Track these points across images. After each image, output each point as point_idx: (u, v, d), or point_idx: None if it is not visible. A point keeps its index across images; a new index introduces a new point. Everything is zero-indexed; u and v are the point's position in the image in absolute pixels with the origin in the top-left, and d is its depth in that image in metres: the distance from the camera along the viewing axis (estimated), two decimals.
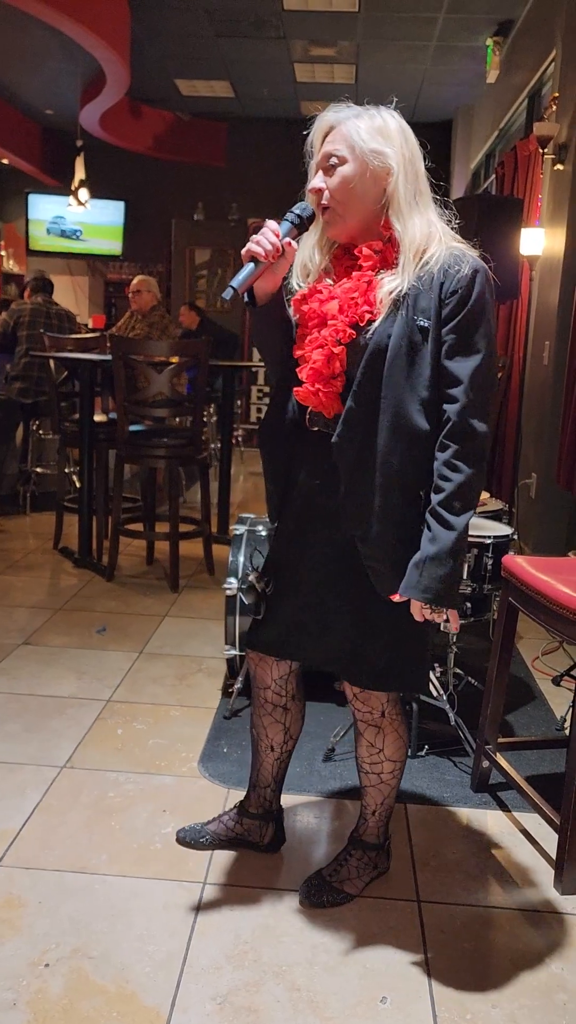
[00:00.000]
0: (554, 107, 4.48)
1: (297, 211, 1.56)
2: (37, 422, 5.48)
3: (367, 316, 1.50)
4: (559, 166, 4.33)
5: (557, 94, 4.46)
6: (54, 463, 5.32)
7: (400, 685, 1.68)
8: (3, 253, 9.58)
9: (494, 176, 6.17)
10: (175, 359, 3.80)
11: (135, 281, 5.53)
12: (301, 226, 1.57)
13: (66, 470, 4.68)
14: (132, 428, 3.84)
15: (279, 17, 6.04)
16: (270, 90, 7.82)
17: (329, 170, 1.53)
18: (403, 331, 1.47)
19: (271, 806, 1.94)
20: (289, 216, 1.56)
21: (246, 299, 1.59)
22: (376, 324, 1.49)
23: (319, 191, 1.53)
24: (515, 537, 2.85)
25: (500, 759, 2.20)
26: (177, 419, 4.06)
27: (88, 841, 1.97)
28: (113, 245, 9.42)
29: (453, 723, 2.46)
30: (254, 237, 1.53)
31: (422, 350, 1.47)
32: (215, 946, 1.67)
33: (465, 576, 2.58)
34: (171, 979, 1.58)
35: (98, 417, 4.25)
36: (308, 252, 1.63)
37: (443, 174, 8.50)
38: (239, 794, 2.15)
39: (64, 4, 4.74)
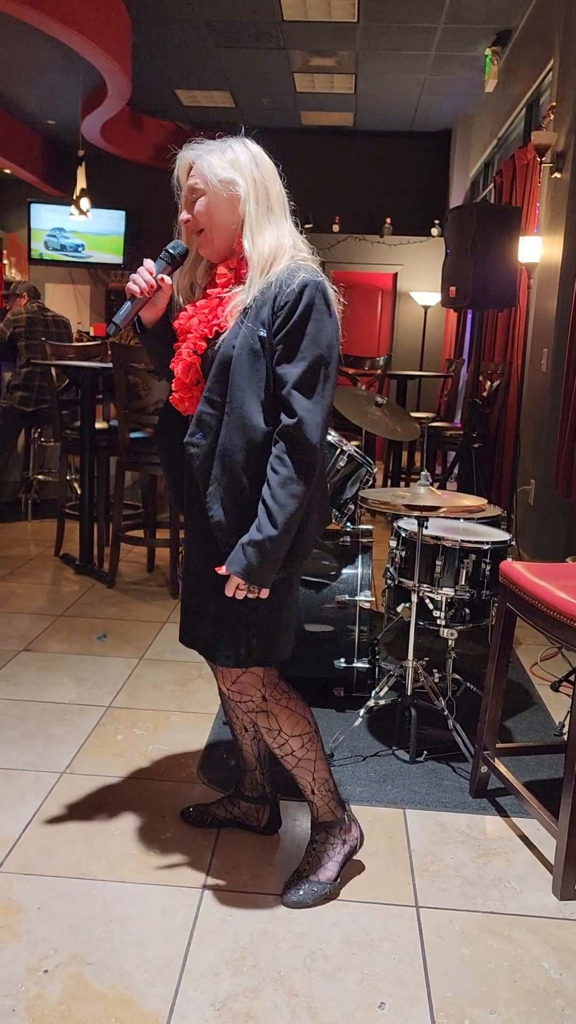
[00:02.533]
0: (552, 116, 4.51)
1: (170, 249, 1.73)
2: (39, 430, 5.50)
3: (215, 329, 1.66)
4: (557, 174, 4.36)
5: (555, 103, 4.49)
6: (55, 470, 5.34)
7: (256, 660, 1.74)
8: (5, 262, 9.63)
9: (492, 185, 6.21)
10: None
11: None
12: (174, 263, 1.73)
13: (67, 477, 4.69)
14: (133, 435, 3.86)
15: (279, 28, 6.08)
16: (270, 100, 7.87)
17: (192, 203, 1.69)
18: (244, 341, 1.61)
19: (264, 789, 2.04)
20: (163, 254, 1.73)
21: (136, 329, 1.77)
22: (223, 335, 1.64)
23: (187, 221, 1.70)
24: (513, 543, 2.85)
25: (499, 764, 2.20)
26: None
27: (87, 847, 1.98)
28: (114, 254, 9.46)
29: (451, 728, 2.47)
30: (132, 276, 1.70)
31: (261, 357, 1.61)
32: (213, 952, 1.67)
33: (463, 582, 2.59)
34: (170, 985, 1.58)
35: (99, 424, 4.26)
36: (188, 277, 1.78)
37: (440, 182, 8.53)
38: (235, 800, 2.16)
39: (66, 15, 4.78)
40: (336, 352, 1.64)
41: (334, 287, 1.68)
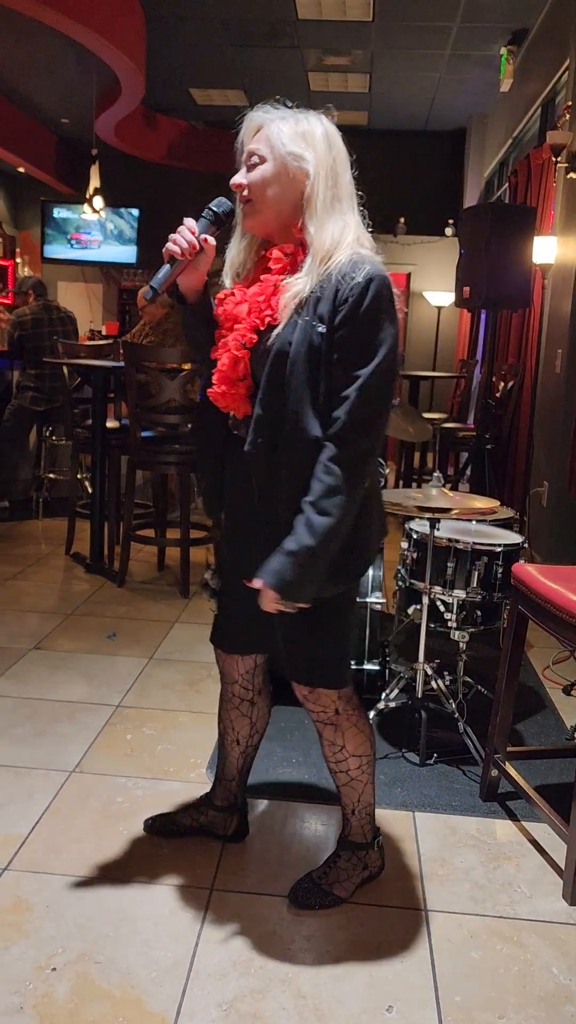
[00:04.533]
0: (567, 116, 4.48)
1: (213, 207, 1.58)
2: (50, 428, 5.51)
3: (268, 320, 1.52)
4: (572, 175, 4.33)
5: (571, 103, 4.46)
6: (67, 469, 5.35)
7: (322, 681, 1.69)
8: (18, 260, 9.66)
9: (507, 185, 6.18)
10: (187, 366, 3.82)
11: (142, 292, 5.55)
12: (217, 222, 1.58)
13: (78, 476, 4.70)
14: (144, 434, 3.86)
15: (293, 26, 6.08)
16: (284, 99, 7.85)
17: (251, 167, 1.55)
18: (303, 337, 1.47)
19: (236, 799, 2.01)
20: (206, 213, 1.57)
21: (175, 299, 1.62)
22: (277, 330, 1.50)
23: (240, 186, 1.55)
24: (526, 545, 2.84)
25: (509, 768, 2.19)
26: (189, 425, 4.07)
27: (96, 846, 1.98)
28: (127, 253, 9.48)
29: (462, 731, 2.46)
30: (171, 236, 1.54)
31: (319, 356, 1.47)
32: (221, 952, 1.67)
33: (475, 584, 2.57)
34: (177, 985, 1.58)
35: (110, 423, 4.27)
36: (235, 251, 1.64)
37: (455, 183, 8.50)
38: (248, 800, 2.15)
39: (81, 14, 4.79)
40: (398, 355, 1.51)
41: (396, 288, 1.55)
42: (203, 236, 1.56)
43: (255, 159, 1.54)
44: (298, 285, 1.49)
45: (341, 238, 1.51)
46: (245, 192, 1.55)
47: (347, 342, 1.47)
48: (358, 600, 2.71)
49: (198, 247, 1.55)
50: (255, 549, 1.60)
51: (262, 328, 1.53)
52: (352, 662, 2.72)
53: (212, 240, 1.57)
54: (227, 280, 1.65)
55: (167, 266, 1.54)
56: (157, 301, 5.41)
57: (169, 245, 1.53)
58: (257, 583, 1.51)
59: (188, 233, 1.54)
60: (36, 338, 5.29)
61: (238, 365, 1.55)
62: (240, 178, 1.55)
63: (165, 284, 1.54)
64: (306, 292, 1.48)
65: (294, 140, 1.51)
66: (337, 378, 1.48)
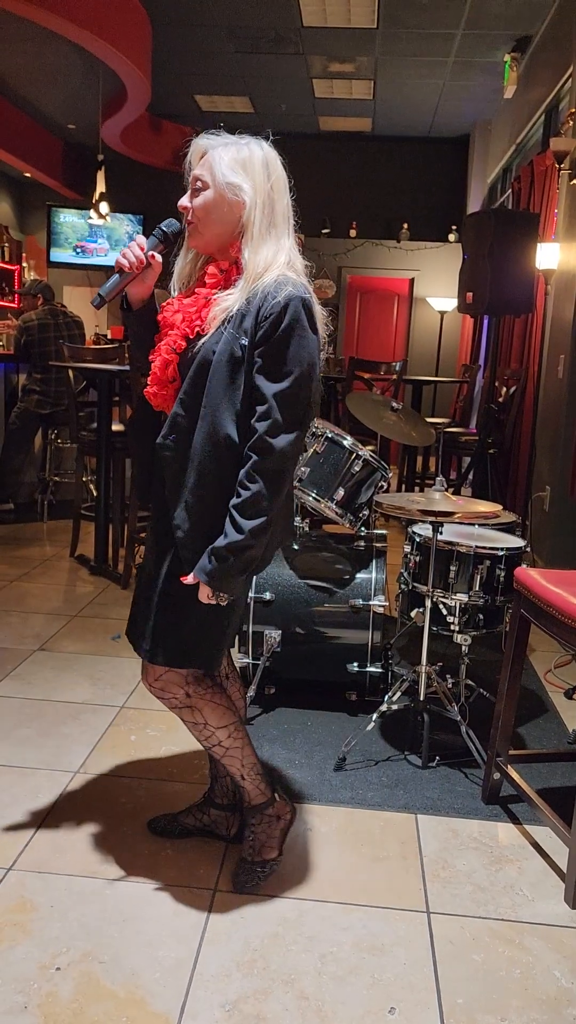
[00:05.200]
0: (571, 122, 4.50)
1: (163, 227, 1.72)
2: (55, 431, 5.54)
3: (197, 329, 1.65)
4: (575, 181, 4.34)
5: (574, 109, 4.48)
6: (72, 472, 5.37)
7: (187, 661, 1.76)
8: (24, 264, 9.70)
9: (510, 191, 6.20)
10: None
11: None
12: (166, 240, 1.73)
13: (83, 479, 4.72)
14: None
15: (298, 33, 6.11)
16: (289, 105, 7.89)
17: (195, 192, 1.67)
18: (226, 348, 1.60)
19: (235, 797, 2.04)
20: (156, 231, 1.72)
21: (123, 305, 1.76)
22: (204, 339, 1.63)
23: (185, 209, 1.69)
24: (528, 549, 2.85)
25: (511, 771, 2.19)
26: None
27: (100, 846, 1.99)
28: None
29: (464, 734, 2.46)
30: (122, 249, 1.69)
31: (241, 367, 1.60)
32: (224, 953, 1.67)
33: (477, 587, 2.58)
34: (180, 985, 1.59)
35: (115, 427, 4.29)
36: (181, 264, 1.78)
37: (458, 188, 8.52)
38: None
39: (87, 21, 4.83)
40: (316, 370, 1.63)
41: (323, 309, 1.68)
42: (151, 252, 1.70)
43: (199, 184, 1.66)
44: (228, 300, 1.63)
45: (273, 260, 1.64)
46: (189, 216, 1.68)
47: (265, 357, 1.59)
48: (363, 602, 2.73)
49: (145, 262, 1.69)
50: (159, 539, 1.75)
51: (191, 336, 1.66)
52: (355, 664, 2.73)
53: (159, 256, 1.72)
54: (173, 289, 1.79)
55: (116, 276, 1.69)
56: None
57: (119, 258, 1.68)
58: (190, 579, 1.64)
59: (137, 249, 1.68)
60: (43, 343, 5.31)
61: (168, 368, 1.69)
62: (185, 201, 1.69)
63: (112, 293, 1.68)
64: (234, 308, 1.61)
65: (234, 169, 1.63)
66: (257, 388, 1.60)
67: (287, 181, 1.69)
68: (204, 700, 1.81)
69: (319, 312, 1.65)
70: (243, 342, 1.59)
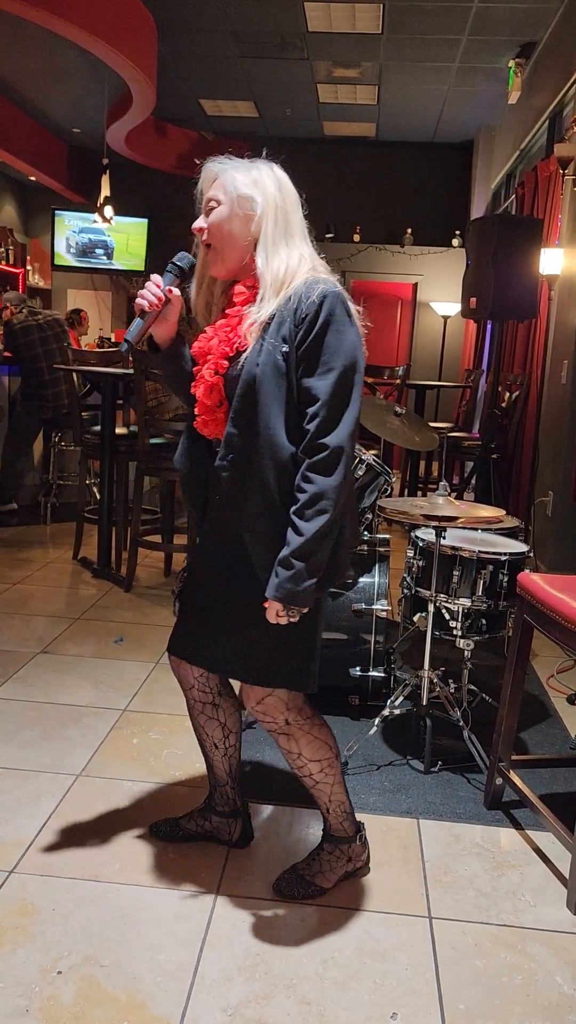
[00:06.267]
0: (575, 128, 4.51)
1: (176, 261, 1.72)
2: (59, 434, 5.55)
3: (237, 346, 1.64)
4: None
5: None
6: (75, 474, 5.38)
7: (284, 682, 1.74)
8: (29, 268, 9.73)
9: (514, 196, 6.21)
10: None
11: None
12: (181, 274, 1.72)
13: (87, 482, 4.73)
14: (152, 441, 3.88)
15: (303, 39, 6.13)
16: (293, 110, 7.92)
17: (208, 212, 1.68)
18: (268, 358, 1.58)
19: (236, 804, 2.03)
20: (169, 267, 1.72)
21: (150, 348, 1.76)
22: (245, 354, 1.61)
23: (200, 230, 1.69)
24: (531, 554, 2.84)
25: (514, 776, 2.19)
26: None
27: (102, 850, 1.99)
28: (136, 261, 9.54)
29: (467, 739, 2.46)
30: (139, 292, 1.68)
31: (285, 373, 1.59)
32: (226, 957, 1.67)
33: (480, 592, 2.58)
34: (182, 989, 1.58)
35: (119, 430, 4.30)
36: (195, 297, 1.77)
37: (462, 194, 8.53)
38: (252, 806, 2.16)
39: (93, 25, 4.84)
40: (361, 361, 1.62)
41: (355, 304, 1.66)
42: (168, 288, 1.69)
43: (212, 204, 1.67)
44: (257, 312, 1.62)
45: (298, 267, 1.64)
46: (205, 236, 1.68)
47: (308, 356, 1.58)
48: (366, 607, 2.73)
49: (165, 299, 1.69)
50: (227, 559, 1.73)
51: (231, 354, 1.64)
52: (358, 668, 2.73)
53: (177, 291, 1.71)
54: (200, 322, 1.78)
55: (139, 320, 1.68)
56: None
57: (139, 300, 1.67)
58: (266, 604, 1.61)
59: (155, 287, 1.68)
60: (29, 346, 5.29)
61: (213, 393, 1.66)
62: (200, 222, 1.69)
63: (138, 336, 1.67)
64: (265, 317, 1.60)
65: (246, 185, 1.65)
66: (303, 392, 1.59)
67: (300, 200, 1.70)
68: (303, 731, 1.79)
69: (353, 306, 1.64)
70: (284, 349, 1.58)
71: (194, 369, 1.73)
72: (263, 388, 1.58)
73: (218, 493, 1.73)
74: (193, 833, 2.04)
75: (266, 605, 1.62)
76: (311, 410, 1.57)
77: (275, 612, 1.60)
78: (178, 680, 1.93)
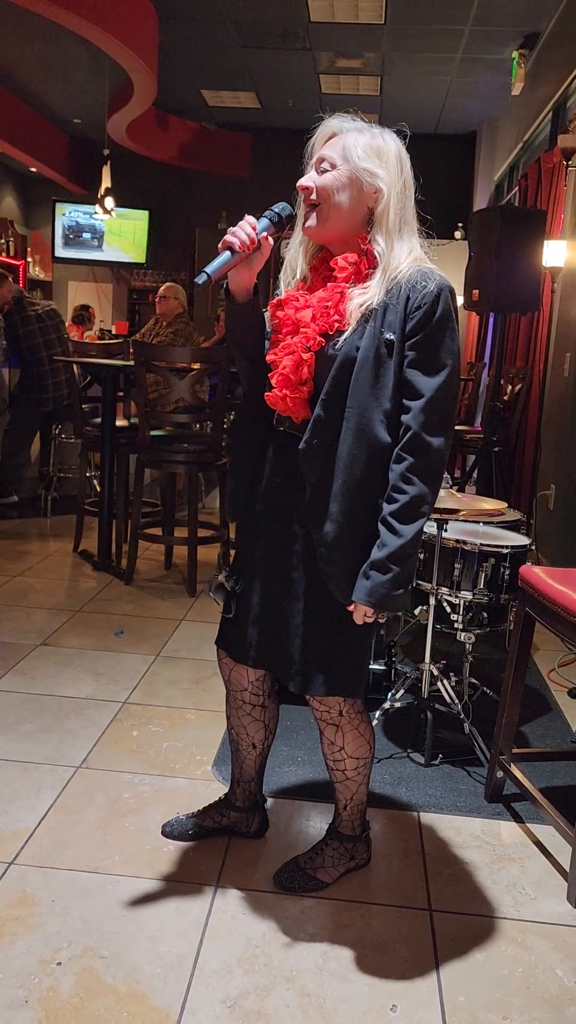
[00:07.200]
0: None
1: (277, 209, 1.60)
2: (59, 426, 5.54)
3: (336, 326, 1.54)
4: None
5: None
6: (75, 467, 5.37)
7: (343, 690, 1.69)
8: (29, 259, 9.70)
9: (517, 188, 6.18)
10: (196, 365, 3.83)
11: (163, 287, 5.58)
12: (279, 224, 1.60)
13: (87, 474, 4.72)
14: (153, 433, 3.87)
15: (305, 29, 6.09)
16: (295, 101, 7.87)
17: (321, 173, 1.56)
18: (371, 343, 1.50)
19: (256, 798, 2.02)
20: (268, 213, 1.59)
21: (226, 293, 1.62)
22: (345, 335, 1.52)
23: (307, 188, 1.57)
24: (533, 548, 2.84)
25: (514, 770, 2.19)
26: (197, 425, 4.08)
27: (102, 841, 1.99)
28: (137, 253, 9.51)
29: (468, 733, 2.46)
30: (231, 228, 1.56)
31: (388, 363, 1.50)
32: (226, 949, 1.67)
33: (482, 585, 2.58)
34: (181, 981, 1.58)
35: (120, 422, 4.29)
36: (293, 254, 1.67)
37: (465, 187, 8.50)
38: None
39: (94, 15, 4.82)
40: (460, 364, 1.55)
41: None
42: (263, 234, 1.57)
43: (326, 165, 1.55)
44: (367, 295, 1.52)
45: (408, 256, 1.55)
46: (313, 196, 1.56)
47: (419, 349, 1.50)
48: None
49: (257, 243, 1.55)
50: (292, 555, 1.64)
51: (330, 332, 1.54)
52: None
53: (271, 240, 1.59)
54: (282, 282, 1.68)
55: (225, 255, 1.54)
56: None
57: (228, 237, 1.54)
58: (352, 607, 1.55)
59: (248, 228, 1.55)
60: (29, 336, 5.27)
61: (301, 369, 1.55)
62: (308, 181, 1.57)
63: (219, 272, 1.53)
64: (375, 302, 1.51)
65: (369, 155, 1.53)
66: (407, 386, 1.51)
67: (414, 182, 1.60)
68: (352, 725, 1.76)
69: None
70: (388, 336, 1.49)
71: (273, 337, 1.62)
72: (360, 373, 1.50)
73: (279, 477, 1.66)
74: (211, 829, 2.00)
75: (350, 608, 1.56)
76: (415, 405, 1.49)
77: (363, 615, 1.55)
78: (227, 681, 1.88)
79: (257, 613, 1.72)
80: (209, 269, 1.52)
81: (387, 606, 1.53)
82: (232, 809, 2.01)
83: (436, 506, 2.33)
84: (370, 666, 2.72)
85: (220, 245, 1.56)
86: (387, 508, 1.51)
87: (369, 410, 1.50)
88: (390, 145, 1.56)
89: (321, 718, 1.77)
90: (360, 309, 1.51)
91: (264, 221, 1.59)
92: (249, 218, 1.57)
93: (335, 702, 1.73)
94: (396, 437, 1.52)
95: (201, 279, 1.52)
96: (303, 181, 1.58)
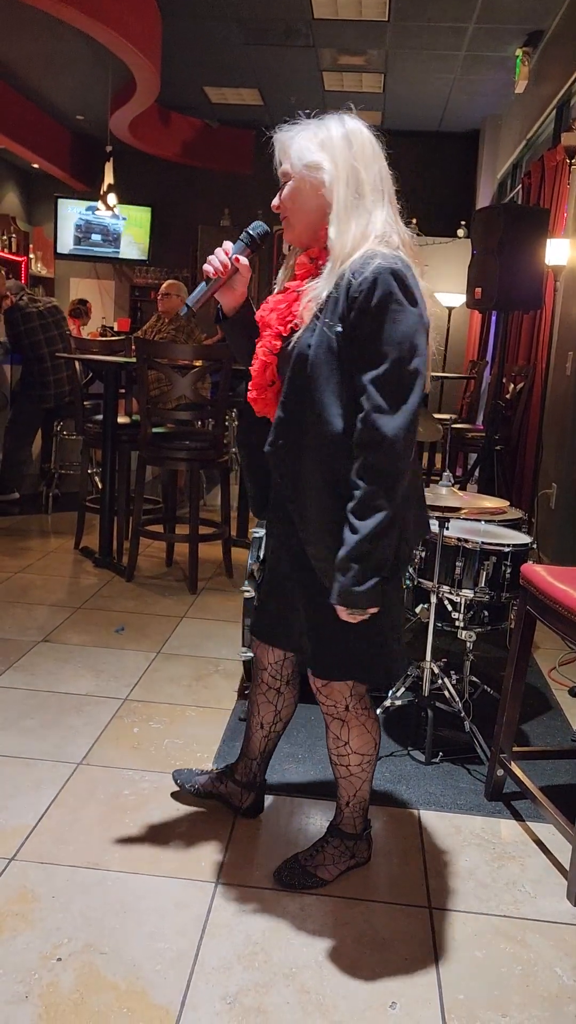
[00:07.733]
0: None
1: (249, 230, 1.67)
2: (60, 423, 5.54)
3: (290, 326, 1.56)
4: None
5: None
6: (77, 464, 5.38)
7: (355, 676, 1.73)
8: (32, 256, 9.70)
9: (520, 186, 6.17)
10: (198, 363, 3.83)
11: (165, 284, 5.58)
12: (252, 244, 1.67)
13: (89, 471, 4.72)
14: (155, 431, 3.87)
15: (309, 26, 6.08)
16: (298, 98, 7.86)
17: (283, 187, 1.62)
18: (321, 339, 1.49)
19: (256, 777, 2.06)
20: (242, 235, 1.67)
21: (217, 316, 1.71)
22: (298, 333, 1.53)
23: (277, 208, 1.63)
24: (534, 546, 2.84)
25: (515, 768, 2.19)
26: (199, 423, 4.08)
27: (102, 838, 1.99)
28: (139, 250, 9.51)
29: (468, 731, 2.46)
30: (208, 256, 1.64)
31: (340, 356, 1.48)
32: (226, 946, 1.67)
33: (483, 584, 2.57)
34: (181, 977, 1.59)
35: (121, 419, 4.29)
36: (284, 266, 1.71)
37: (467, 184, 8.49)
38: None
39: (97, 11, 4.81)
40: (421, 344, 1.47)
41: (420, 264, 1.52)
42: (235, 256, 1.63)
43: (285, 178, 1.60)
44: (316, 289, 1.52)
45: (362, 236, 1.51)
46: (282, 213, 1.62)
47: (359, 340, 1.48)
48: None
49: (231, 267, 1.62)
50: (291, 547, 1.70)
51: (285, 334, 1.57)
52: None
53: (245, 260, 1.63)
54: (276, 286, 1.72)
55: (203, 284, 1.63)
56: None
57: (205, 266, 1.62)
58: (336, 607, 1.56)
59: (222, 254, 1.62)
60: (30, 333, 5.27)
61: (266, 371, 1.61)
62: (276, 200, 1.63)
63: (199, 301, 1.62)
64: (323, 296, 1.50)
65: (311, 151, 1.54)
66: (357, 379, 1.49)
67: (377, 147, 1.56)
68: (357, 721, 1.77)
69: (418, 283, 1.50)
70: (338, 329, 1.47)
71: (257, 340, 1.65)
72: (315, 371, 1.49)
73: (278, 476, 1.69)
74: (206, 792, 2.09)
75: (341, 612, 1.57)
76: (363, 400, 1.47)
77: (345, 614, 1.55)
78: (255, 659, 1.98)
79: (272, 600, 1.87)
80: (190, 300, 1.62)
81: (358, 603, 1.50)
82: (231, 780, 2.07)
83: (438, 504, 2.33)
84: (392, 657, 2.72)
85: (202, 273, 1.65)
86: (348, 506, 1.50)
87: (327, 406, 1.49)
88: (334, 131, 1.55)
89: (327, 712, 1.79)
90: (309, 305, 1.51)
91: (239, 244, 1.66)
92: (226, 244, 1.64)
93: (341, 696, 1.75)
94: (352, 430, 1.51)
95: (183, 311, 1.65)
96: (273, 202, 1.63)
